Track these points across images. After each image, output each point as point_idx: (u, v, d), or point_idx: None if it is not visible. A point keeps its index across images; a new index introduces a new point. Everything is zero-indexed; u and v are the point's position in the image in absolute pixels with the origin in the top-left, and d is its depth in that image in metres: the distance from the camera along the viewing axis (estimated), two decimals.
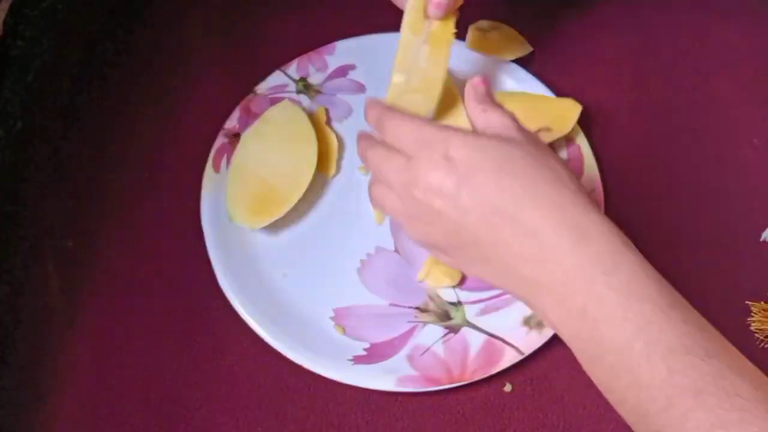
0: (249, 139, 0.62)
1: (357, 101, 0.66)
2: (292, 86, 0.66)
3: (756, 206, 0.61)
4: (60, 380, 0.55)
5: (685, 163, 0.63)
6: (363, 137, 0.48)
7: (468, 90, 0.46)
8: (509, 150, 0.41)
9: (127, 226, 0.61)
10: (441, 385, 0.53)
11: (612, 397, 0.39)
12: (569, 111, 0.62)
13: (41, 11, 0.63)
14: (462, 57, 0.64)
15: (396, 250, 0.59)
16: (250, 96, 0.65)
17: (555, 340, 0.53)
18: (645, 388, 0.36)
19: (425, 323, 0.56)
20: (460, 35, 0.56)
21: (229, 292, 0.56)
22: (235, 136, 0.63)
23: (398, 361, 0.54)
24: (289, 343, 0.54)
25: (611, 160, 0.63)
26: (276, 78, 0.66)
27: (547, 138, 0.61)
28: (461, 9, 0.55)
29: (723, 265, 0.58)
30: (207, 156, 0.62)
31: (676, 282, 0.39)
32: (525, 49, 0.67)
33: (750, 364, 0.37)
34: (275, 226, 0.59)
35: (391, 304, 0.57)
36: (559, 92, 0.65)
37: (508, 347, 0.54)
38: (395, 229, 0.60)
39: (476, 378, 0.53)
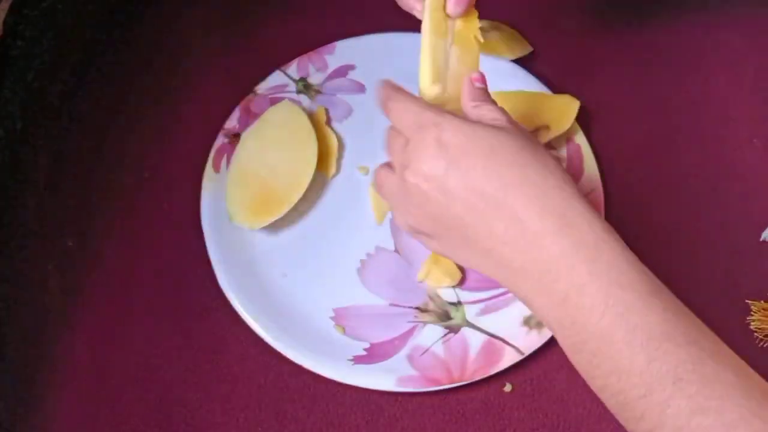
0: (249, 139, 0.62)
1: (357, 101, 0.66)
2: (292, 86, 0.66)
3: (756, 206, 0.61)
4: (59, 380, 0.55)
5: (685, 162, 0.63)
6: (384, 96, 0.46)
7: (465, 85, 0.47)
8: (499, 137, 0.41)
9: (127, 227, 0.61)
10: (441, 385, 0.53)
11: (594, 384, 0.39)
12: (568, 107, 0.62)
13: (41, 11, 0.63)
14: None
15: (396, 250, 0.59)
16: (250, 96, 0.65)
17: (555, 340, 0.53)
18: (625, 375, 0.36)
19: (425, 323, 0.56)
20: None
21: (229, 292, 0.56)
22: (235, 136, 0.63)
23: (398, 361, 0.54)
24: (289, 343, 0.54)
25: (611, 160, 0.63)
26: (276, 78, 0.66)
27: (546, 136, 0.61)
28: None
29: (723, 265, 0.58)
30: (207, 156, 0.62)
31: (676, 281, 0.39)
32: (525, 49, 0.67)
33: (730, 351, 0.37)
34: (275, 226, 0.59)
35: (391, 304, 0.57)
36: (558, 92, 0.65)
37: (508, 347, 0.54)
38: (395, 229, 0.60)
39: (476, 378, 0.53)
